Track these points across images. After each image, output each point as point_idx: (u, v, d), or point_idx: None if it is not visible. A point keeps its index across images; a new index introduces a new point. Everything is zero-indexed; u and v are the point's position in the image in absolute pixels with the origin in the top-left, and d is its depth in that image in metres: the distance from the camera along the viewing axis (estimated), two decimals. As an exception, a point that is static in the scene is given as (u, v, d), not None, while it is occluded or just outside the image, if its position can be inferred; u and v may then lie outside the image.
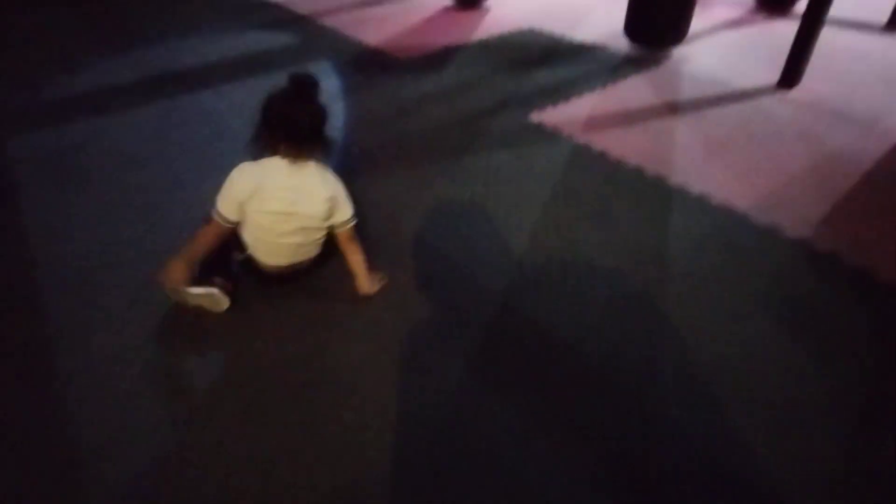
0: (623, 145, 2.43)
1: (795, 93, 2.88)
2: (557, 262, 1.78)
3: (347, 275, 1.69)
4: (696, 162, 2.31)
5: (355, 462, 1.21)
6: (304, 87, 1.52)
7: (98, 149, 2.53)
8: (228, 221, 1.53)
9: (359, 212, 1.85)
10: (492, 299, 1.64)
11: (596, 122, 2.64)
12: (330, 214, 1.58)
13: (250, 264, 1.65)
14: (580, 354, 1.45)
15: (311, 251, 1.67)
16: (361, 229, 1.85)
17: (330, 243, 1.68)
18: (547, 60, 3.44)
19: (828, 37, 3.57)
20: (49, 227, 2.01)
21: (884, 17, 3.83)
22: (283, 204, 1.51)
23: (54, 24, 4.53)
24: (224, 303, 1.59)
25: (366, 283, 1.65)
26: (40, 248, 1.90)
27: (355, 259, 1.65)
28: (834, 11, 3.91)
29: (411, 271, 1.76)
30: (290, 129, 1.48)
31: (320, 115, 1.54)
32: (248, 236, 1.59)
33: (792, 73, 2.92)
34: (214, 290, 1.57)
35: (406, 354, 1.47)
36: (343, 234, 1.63)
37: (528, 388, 1.37)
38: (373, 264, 1.74)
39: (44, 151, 2.53)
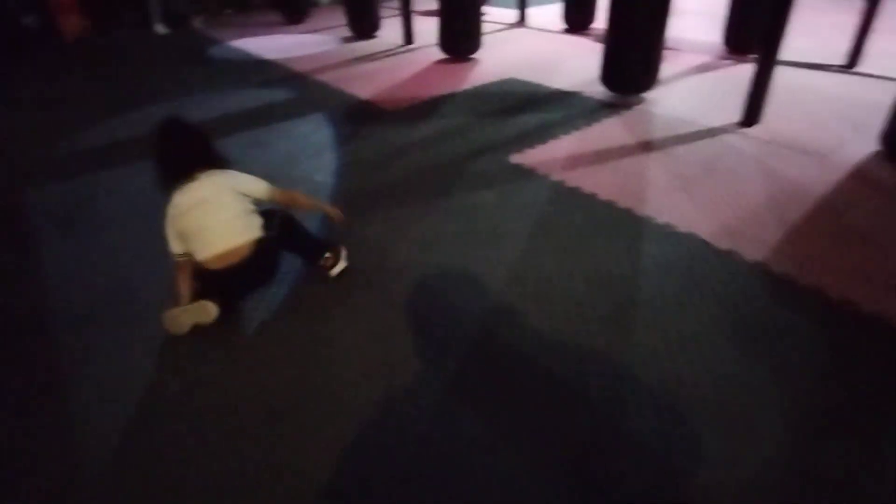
0: (595, 182, 2.61)
1: (756, 130, 3.09)
2: (532, 289, 1.92)
3: (335, 304, 1.84)
4: (663, 195, 2.48)
5: (339, 470, 1.32)
6: (168, 128, 1.82)
7: (108, 200, 2.72)
8: (184, 255, 1.79)
9: (353, 246, 2.04)
10: (471, 323, 1.77)
11: (571, 162, 2.84)
12: (244, 193, 1.82)
13: (210, 282, 1.81)
14: (552, 374, 1.57)
15: (251, 227, 1.82)
16: (355, 261, 2.02)
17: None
18: (527, 107, 3.68)
19: (790, 77, 3.85)
20: (63, 268, 2.17)
21: (842, 58, 4.11)
22: (199, 202, 1.74)
23: (70, 87, 4.86)
24: (213, 310, 1.77)
25: (329, 208, 2.01)
26: (54, 287, 2.05)
27: (306, 201, 2.00)
28: (797, 54, 4.21)
29: (399, 299, 1.90)
30: (173, 164, 1.78)
31: (193, 140, 1.83)
32: (198, 242, 1.77)
33: (752, 112, 3.14)
34: (200, 301, 1.75)
35: (388, 376, 1.59)
36: (279, 198, 1.90)
37: (501, 404, 1.49)
38: (364, 292, 1.89)
39: (60, 202, 2.73)
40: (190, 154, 1.79)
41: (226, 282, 1.80)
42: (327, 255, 1.98)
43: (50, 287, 2.07)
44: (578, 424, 1.42)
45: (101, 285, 2.07)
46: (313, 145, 3.24)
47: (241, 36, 6.69)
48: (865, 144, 2.80)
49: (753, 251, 2.05)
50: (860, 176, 2.55)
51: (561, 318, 1.78)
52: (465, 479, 1.29)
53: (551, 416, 1.44)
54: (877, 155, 2.71)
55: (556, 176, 2.68)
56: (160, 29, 7.19)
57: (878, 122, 2.74)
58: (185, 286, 1.79)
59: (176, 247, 1.78)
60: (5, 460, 1.41)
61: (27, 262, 2.24)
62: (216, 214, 1.76)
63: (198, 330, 1.78)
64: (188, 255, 1.79)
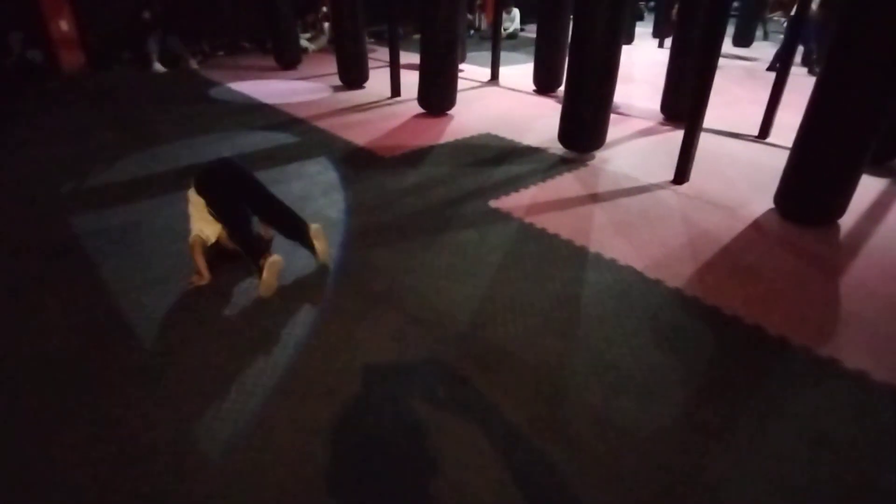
0: (556, 224, 3.29)
1: (684, 187, 3.87)
2: (507, 304, 2.53)
3: (361, 317, 2.42)
4: (608, 236, 3.17)
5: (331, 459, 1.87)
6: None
7: (152, 226, 3.22)
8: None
9: (357, 274, 2.64)
10: (463, 327, 2.36)
11: (537, 208, 3.52)
12: None
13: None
14: (525, 362, 2.18)
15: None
16: (374, 283, 2.60)
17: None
18: (501, 159, 4.39)
19: (713, 143, 4.70)
20: (112, 289, 2.65)
21: (755, 128, 5.01)
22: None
23: (82, 122, 5.30)
24: (278, 258, 2.58)
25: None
26: (106, 306, 2.54)
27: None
28: (720, 123, 5.10)
29: (410, 311, 2.47)
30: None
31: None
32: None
33: (681, 172, 3.92)
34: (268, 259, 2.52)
35: (401, 368, 2.16)
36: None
37: (491, 382, 2.08)
38: (383, 306, 2.47)
39: (107, 228, 3.19)
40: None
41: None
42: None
43: (103, 305, 2.56)
44: (547, 396, 2.02)
45: (152, 303, 2.57)
46: (322, 185, 3.83)
47: (238, 79, 7.27)
48: (765, 202, 3.58)
49: (674, 280, 2.74)
50: (757, 226, 3.32)
51: (529, 324, 2.40)
52: (461, 428, 1.86)
53: (526, 389, 2.04)
54: (771, 211, 3.49)
55: (526, 219, 3.35)
56: (158, 67, 7.69)
57: (775, 185, 3.53)
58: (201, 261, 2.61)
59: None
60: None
61: (84, 281, 2.72)
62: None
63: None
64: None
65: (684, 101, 4.96)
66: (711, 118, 3.75)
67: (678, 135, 3.95)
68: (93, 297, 2.56)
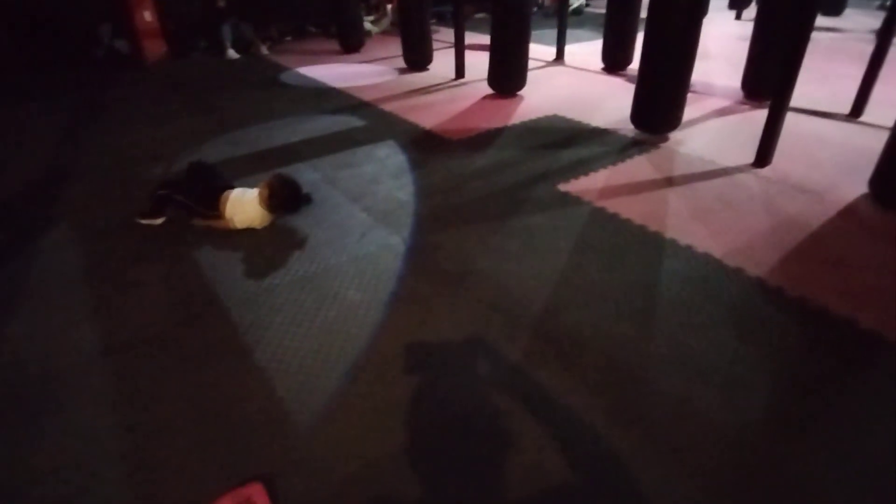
0: (629, 209, 3.21)
1: (766, 170, 3.67)
2: (579, 290, 2.52)
3: (434, 297, 2.48)
4: (685, 222, 3.07)
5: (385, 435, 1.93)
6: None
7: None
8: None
9: (430, 255, 2.71)
10: (536, 312, 2.38)
11: (609, 192, 3.45)
12: None
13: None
14: (592, 355, 2.17)
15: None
16: (446, 264, 2.65)
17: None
18: (570, 142, 4.31)
19: (801, 124, 4.42)
20: (204, 267, 2.84)
21: (847, 107, 4.66)
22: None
23: (171, 111, 5.62)
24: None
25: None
26: (199, 284, 2.72)
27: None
28: (808, 103, 4.78)
29: (482, 294, 2.51)
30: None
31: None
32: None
33: (763, 154, 3.72)
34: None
35: (476, 347, 2.20)
36: None
37: (565, 369, 2.09)
38: (454, 290, 2.53)
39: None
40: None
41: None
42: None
43: (205, 283, 2.74)
44: (623, 383, 2.01)
45: (241, 286, 2.73)
46: (391, 168, 3.91)
47: (305, 63, 7.47)
48: (857, 187, 3.35)
49: (755, 269, 2.63)
50: (848, 213, 3.11)
51: (603, 310, 2.38)
52: (536, 411, 1.89)
53: (602, 376, 2.04)
54: (865, 196, 3.27)
55: (597, 203, 3.30)
56: (231, 54, 8.01)
57: (870, 168, 3.29)
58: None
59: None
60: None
61: (185, 263, 2.92)
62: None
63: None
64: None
65: (768, 78, 4.69)
66: (796, 95, 3.51)
67: (759, 114, 3.75)
68: (187, 275, 2.75)
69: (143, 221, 3.19)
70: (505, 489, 1.67)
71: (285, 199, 3.06)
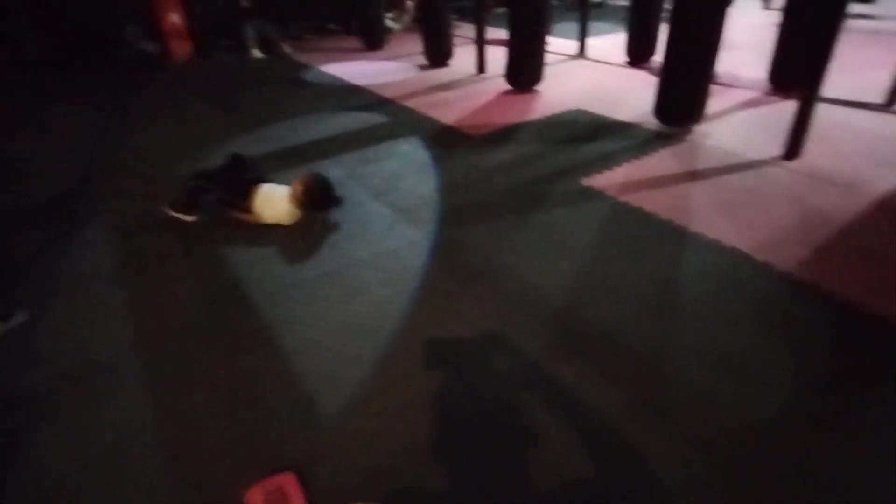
0: (654, 203, 3.18)
1: (796, 163, 3.59)
2: (602, 284, 2.51)
3: (458, 290, 2.49)
4: (711, 216, 3.02)
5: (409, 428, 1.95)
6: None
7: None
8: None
9: (453, 250, 2.71)
10: (558, 305, 2.38)
11: (632, 186, 3.42)
12: None
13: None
14: (616, 350, 2.16)
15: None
16: (470, 259, 2.67)
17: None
18: (592, 136, 4.28)
19: (832, 115, 4.31)
20: (231, 263, 2.90)
21: (880, 96, 4.53)
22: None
23: (192, 105, 5.73)
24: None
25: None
26: (227, 279, 2.78)
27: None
28: (840, 92, 4.65)
29: (505, 288, 2.52)
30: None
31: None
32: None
33: (793, 147, 3.64)
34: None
35: (498, 341, 2.21)
36: None
37: (588, 362, 2.09)
38: (478, 283, 2.54)
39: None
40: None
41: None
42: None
43: (233, 278, 2.80)
44: (647, 378, 2.00)
45: (278, 279, 2.78)
46: (413, 164, 3.93)
47: (328, 61, 7.54)
48: (891, 180, 3.26)
49: (784, 263, 2.59)
50: (882, 207, 3.03)
51: (627, 305, 2.37)
52: (560, 407, 1.90)
53: (626, 371, 2.04)
54: (899, 188, 3.18)
55: (620, 197, 3.27)
56: (256, 53, 8.13)
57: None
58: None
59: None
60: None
61: (215, 257, 2.99)
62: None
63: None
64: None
65: (797, 68, 4.58)
66: (827, 85, 3.43)
67: (787, 106, 3.67)
68: (215, 270, 2.82)
69: (174, 214, 3.26)
70: (528, 482, 1.68)
71: (319, 198, 3.10)
